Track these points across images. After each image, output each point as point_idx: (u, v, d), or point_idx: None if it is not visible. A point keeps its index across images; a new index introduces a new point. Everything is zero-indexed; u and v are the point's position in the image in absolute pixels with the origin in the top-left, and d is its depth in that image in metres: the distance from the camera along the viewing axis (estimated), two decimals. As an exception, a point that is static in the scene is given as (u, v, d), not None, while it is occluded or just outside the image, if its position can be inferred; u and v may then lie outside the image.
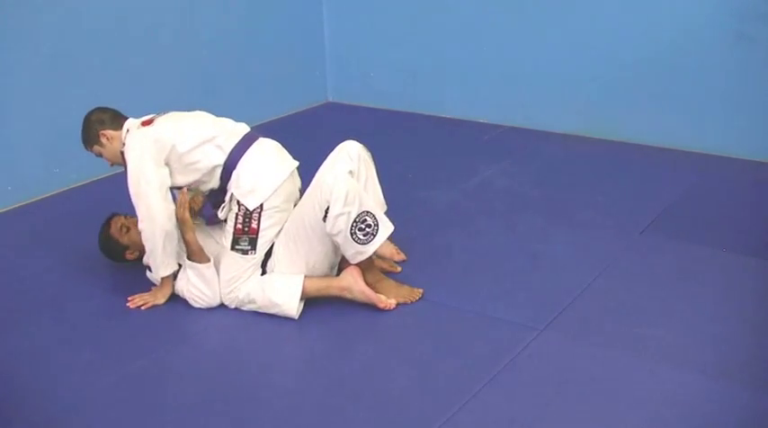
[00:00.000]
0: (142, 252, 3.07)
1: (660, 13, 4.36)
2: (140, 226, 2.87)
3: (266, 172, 2.91)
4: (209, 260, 2.92)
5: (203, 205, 3.13)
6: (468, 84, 5.20)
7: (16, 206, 4.04)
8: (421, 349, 2.69)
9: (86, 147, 3.09)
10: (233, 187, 2.90)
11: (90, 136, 3.04)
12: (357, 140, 3.12)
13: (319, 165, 3.08)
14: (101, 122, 3.03)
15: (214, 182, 2.95)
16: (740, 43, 4.15)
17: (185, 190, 2.96)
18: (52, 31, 4.05)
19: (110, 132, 3.01)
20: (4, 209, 4.00)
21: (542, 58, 4.83)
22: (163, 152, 2.88)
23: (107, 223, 3.14)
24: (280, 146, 3.05)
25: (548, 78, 4.85)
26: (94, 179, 4.36)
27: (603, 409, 2.34)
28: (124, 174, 2.93)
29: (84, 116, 3.07)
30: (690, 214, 3.65)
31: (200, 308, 2.94)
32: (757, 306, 2.88)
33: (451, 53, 5.19)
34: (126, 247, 3.11)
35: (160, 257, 2.88)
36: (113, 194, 3.96)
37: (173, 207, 2.90)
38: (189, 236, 2.92)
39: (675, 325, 2.75)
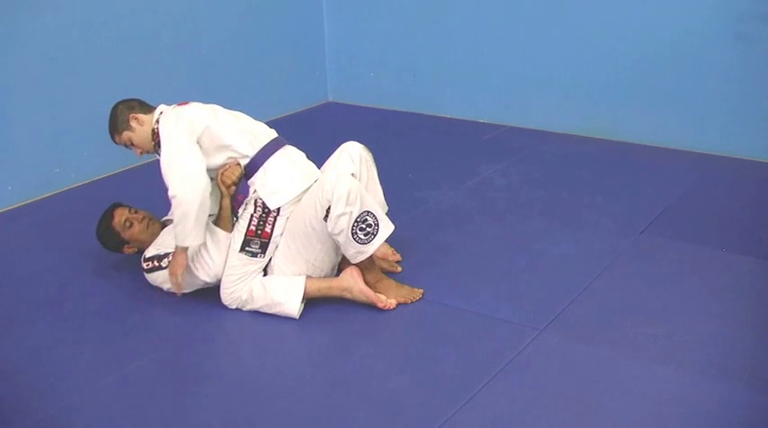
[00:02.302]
0: (141, 248, 3.07)
1: (660, 13, 4.36)
2: (172, 193, 2.77)
3: (293, 176, 2.90)
4: (230, 231, 2.93)
5: (239, 184, 3.01)
6: (468, 84, 5.20)
7: (16, 206, 4.04)
8: (421, 349, 2.69)
9: (114, 137, 3.03)
10: (257, 183, 2.89)
11: (119, 122, 2.99)
12: (357, 141, 3.13)
13: (319, 165, 3.08)
14: (130, 108, 3.01)
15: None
16: (740, 43, 4.16)
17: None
18: (52, 32, 4.05)
19: (141, 116, 2.99)
20: (4, 209, 4.00)
21: (542, 58, 4.83)
22: (196, 132, 2.88)
23: (110, 213, 3.10)
24: (305, 156, 3.04)
25: (548, 78, 4.85)
26: (94, 179, 4.36)
27: (603, 409, 2.34)
28: (155, 163, 2.92)
29: (111, 107, 3.03)
30: (690, 214, 3.65)
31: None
32: (757, 306, 2.88)
33: (451, 53, 5.19)
34: (126, 242, 3.10)
35: (192, 224, 2.78)
36: (113, 194, 3.96)
37: (209, 179, 2.86)
38: (225, 202, 2.94)
39: (675, 325, 2.75)
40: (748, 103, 4.23)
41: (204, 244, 2.91)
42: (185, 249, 2.86)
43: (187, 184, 2.78)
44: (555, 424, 2.29)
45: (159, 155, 2.91)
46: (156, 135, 2.93)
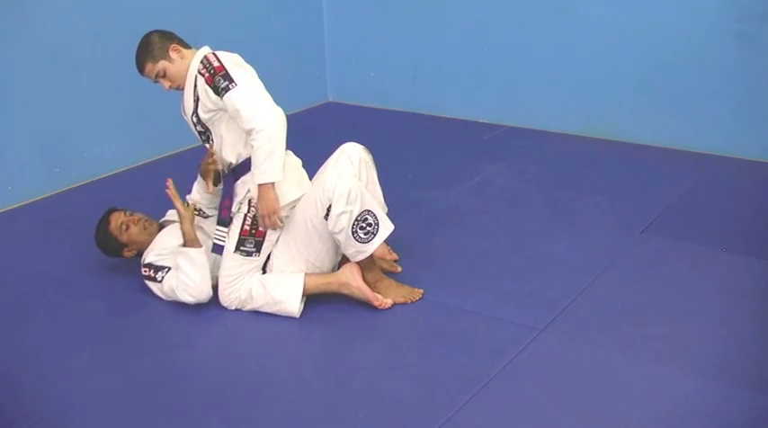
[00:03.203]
0: (140, 250, 3.07)
1: (660, 13, 4.36)
2: (261, 126, 2.69)
3: (288, 183, 2.87)
4: (200, 246, 2.90)
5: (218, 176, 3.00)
6: (469, 84, 5.20)
7: (16, 206, 4.04)
8: (421, 349, 2.69)
9: (147, 65, 2.86)
10: (250, 183, 2.83)
11: (157, 49, 2.83)
12: (357, 141, 3.12)
13: (319, 165, 3.09)
14: (169, 38, 2.86)
15: (231, 158, 2.90)
16: (740, 43, 4.16)
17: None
18: (52, 31, 4.05)
19: (183, 49, 2.87)
20: (4, 209, 4.00)
21: (542, 58, 4.83)
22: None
23: (106, 219, 3.09)
24: (301, 164, 3.02)
25: (548, 78, 4.85)
26: (94, 179, 4.36)
27: (603, 409, 2.34)
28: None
29: (143, 38, 2.89)
30: (690, 214, 3.65)
31: (197, 305, 2.94)
32: (758, 306, 2.88)
33: (451, 53, 5.19)
34: (124, 245, 3.09)
35: (281, 155, 2.73)
36: (113, 194, 3.97)
37: None
38: (186, 226, 2.90)
39: (675, 325, 2.75)
40: (748, 103, 4.23)
41: (179, 268, 2.88)
42: (272, 185, 2.77)
43: (275, 118, 2.73)
44: (555, 424, 2.29)
45: (220, 88, 2.75)
46: (210, 67, 2.77)
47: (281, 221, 2.85)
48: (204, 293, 2.89)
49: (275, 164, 2.74)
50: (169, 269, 2.93)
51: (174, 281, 2.90)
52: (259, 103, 2.73)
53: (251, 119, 2.71)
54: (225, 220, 2.93)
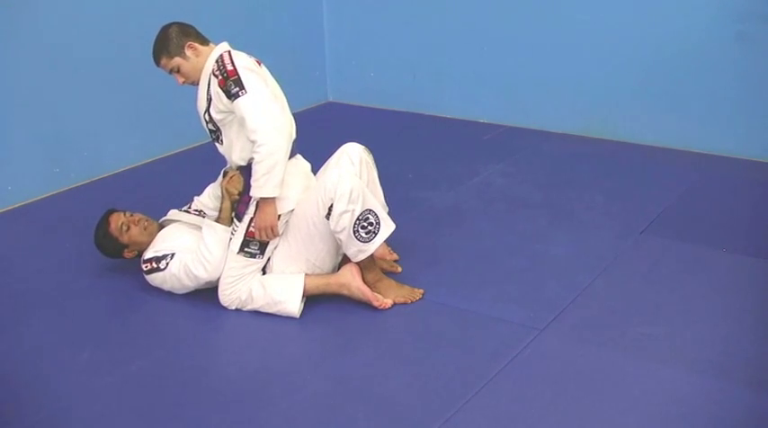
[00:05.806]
0: (140, 251, 3.07)
1: (660, 13, 4.36)
2: (263, 140, 2.70)
3: (297, 188, 2.88)
4: (230, 226, 2.94)
5: (242, 194, 2.98)
6: (469, 84, 5.20)
7: (16, 206, 4.04)
8: (421, 349, 2.69)
9: (162, 59, 2.86)
10: None
11: (174, 45, 2.83)
12: (357, 141, 3.13)
13: (320, 165, 3.09)
14: (186, 34, 2.86)
15: (240, 162, 2.91)
16: (740, 43, 4.16)
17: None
18: (52, 32, 4.05)
19: (198, 46, 2.86)
20: (4, 209, 4.00)
21: (542, 58, 4.83)
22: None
23: (105, 220, 3.09)
24: (309, 168, 3.03)
25: (548, 78, 4.85)
26: (94, 179, 4.36)
27: (603, 409, 2.34)
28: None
29: (161, 30, 2.88)
30: (690, 214, 3.65)
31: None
32: (757, 306, 2.88)
33: (451, 53, 5.19)
34: (125, 246, 3.09)
35: (282, 172, 2.74)
36: (113, 194, 3.97)
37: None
38: (226, 204, 2.97)
39: (675, 325, 2.76)
40: (748, 103, 4.24)
41: (202, 241, 2.91)
42: (273, 200, 2.79)
43: (279, 133, 2.73)
44: (555, 424, 2.29)
45: (231, 93, 2.73)
46: (224, 69, 2.75)
47: (277, 235, 2.87)
48: (218, 271, 2.89)
49: (273, 181, 2.75)
50: (173, 255, 2.94)
51: (188, 257, 2.90)
52: (265, 115, 2.73)
53: (255, 130, 2.71)
54: (241, 215, 2.93)
